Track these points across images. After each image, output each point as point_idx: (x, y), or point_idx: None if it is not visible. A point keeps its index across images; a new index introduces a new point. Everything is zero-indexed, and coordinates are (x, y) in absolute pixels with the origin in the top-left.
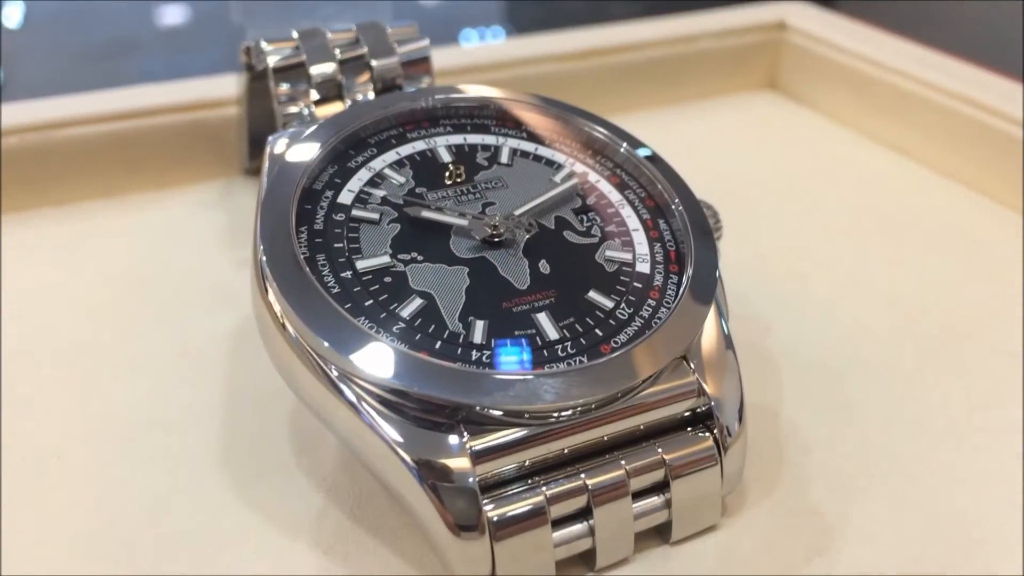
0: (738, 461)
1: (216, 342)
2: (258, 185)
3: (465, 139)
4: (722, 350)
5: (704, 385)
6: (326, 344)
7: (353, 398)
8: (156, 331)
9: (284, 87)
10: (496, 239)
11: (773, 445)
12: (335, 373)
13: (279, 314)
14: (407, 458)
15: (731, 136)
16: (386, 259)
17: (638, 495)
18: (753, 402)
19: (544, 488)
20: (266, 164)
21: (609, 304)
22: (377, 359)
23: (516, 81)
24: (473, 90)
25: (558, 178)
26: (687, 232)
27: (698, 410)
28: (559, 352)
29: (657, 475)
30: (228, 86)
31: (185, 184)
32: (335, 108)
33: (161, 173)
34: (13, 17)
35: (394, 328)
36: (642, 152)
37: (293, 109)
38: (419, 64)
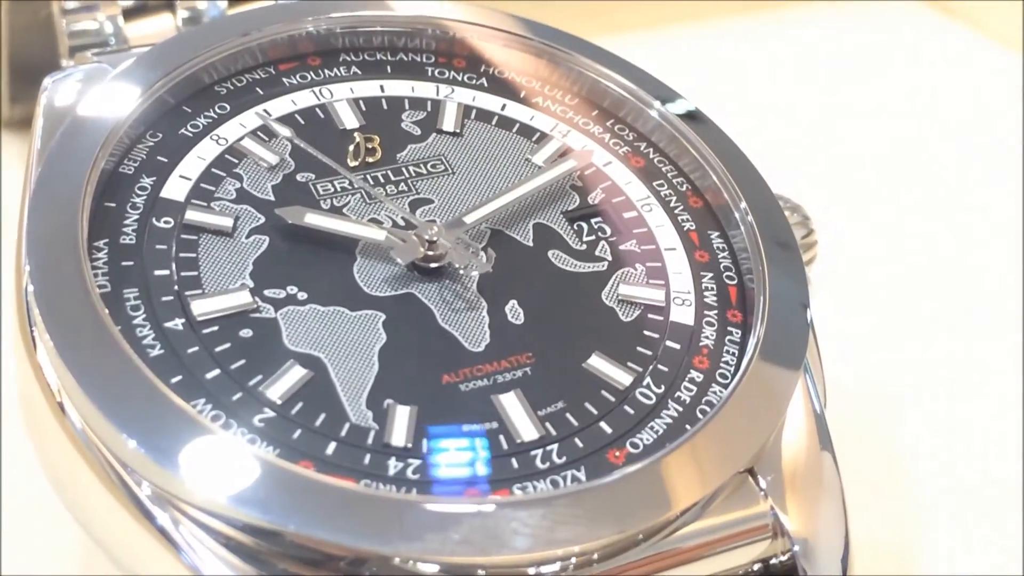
0: None
1: None
2: (26, 157)
3: (383, 88)
4: (815, 455)
5: (783, 519)
6: (133, 444)
7: (178, 537)
8: None
9: None
10: (433, 264)
11: None
12: (147, 493)
13: (54, 388)
14: None
15: (842, 60)
16: (244, 297)
17: None
18: (866, 541)
19: None
20: (39, 123)
21: (625, 379)
22: (223, 473)
23: None
24: (399, 5)
25: (540, 158)
26: (757, 252)
27: (773, 561)
28: (538, 462)
29: None
30: None
31: None
32: (160, 26)
33: None
34: None
35: (255, 419)
36: (678, 109)
37: (87, 24)
38: None
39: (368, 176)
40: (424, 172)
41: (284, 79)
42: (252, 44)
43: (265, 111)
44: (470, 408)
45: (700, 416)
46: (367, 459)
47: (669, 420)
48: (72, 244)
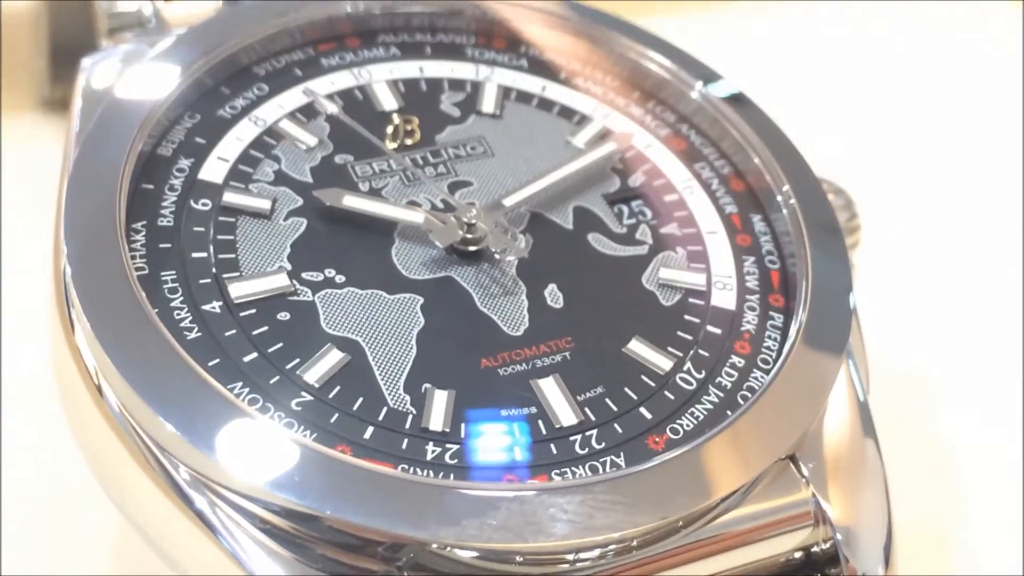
0: None
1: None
2: (65, 137)
3: (422, 69)
4: (858, 443)
5: (825, 506)
6: (171, 428)
7: (216, 521)
8: None
9: None
10: (472, 247)
11: None
12: (185, 477)
13: (92, 370)
14: None
15: (886, 41)
16: (282, 280)
17: None
18: (907, 524)
19: None
20: (78, 105)
21: (665, 364)
22: (260, 457)
23: None
24: None
25: (580, 140)
26: (800, 235)
27: (814, 549)
28: (577, 448)
29: None
30: None
31: None
32: (199, 8)
33: None
34: None
35: (292, 403)
36: (720, 90)
37: (126, 5)
38: None
39: (407, 158)
40: (463, 154)
41: (323, 60)
42: (291, 25)
43: (304, 91)
44: (509, 393)
45: (741, 402)
46: (405, 444)
47: (710, 406)
48: (110, 226)
